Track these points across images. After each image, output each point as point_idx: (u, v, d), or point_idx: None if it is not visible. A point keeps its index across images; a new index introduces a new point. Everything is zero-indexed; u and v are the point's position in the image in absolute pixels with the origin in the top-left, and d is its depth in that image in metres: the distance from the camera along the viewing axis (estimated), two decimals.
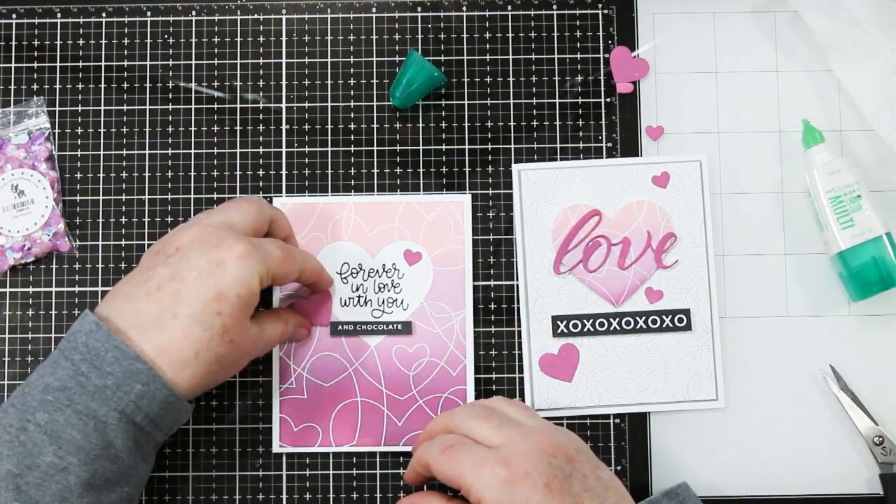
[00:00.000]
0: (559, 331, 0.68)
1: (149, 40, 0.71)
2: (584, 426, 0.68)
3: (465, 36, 0.71)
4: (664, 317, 0.68)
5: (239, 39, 0.71)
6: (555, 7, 0.72)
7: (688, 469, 0.68)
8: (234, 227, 0.58)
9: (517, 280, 0.69)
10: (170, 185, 0.70)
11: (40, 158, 0.68)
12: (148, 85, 0.71)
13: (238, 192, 0.70)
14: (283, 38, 0.71)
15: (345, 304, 0.68)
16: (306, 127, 0.70)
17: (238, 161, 0.70)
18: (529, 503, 0.50)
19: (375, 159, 0.70)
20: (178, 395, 0.55)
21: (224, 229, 0.57)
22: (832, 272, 0.69)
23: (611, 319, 0.68)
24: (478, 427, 0.55)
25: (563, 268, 0.69)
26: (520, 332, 0.68)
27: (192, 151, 0.70)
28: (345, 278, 0.68)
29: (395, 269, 0.68)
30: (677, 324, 0.68)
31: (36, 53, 0.71)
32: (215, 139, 0.70)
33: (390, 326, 0.68)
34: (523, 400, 0.68)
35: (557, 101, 0.71)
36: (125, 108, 0.71)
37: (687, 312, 0.68)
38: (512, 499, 0.50)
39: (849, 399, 0.67)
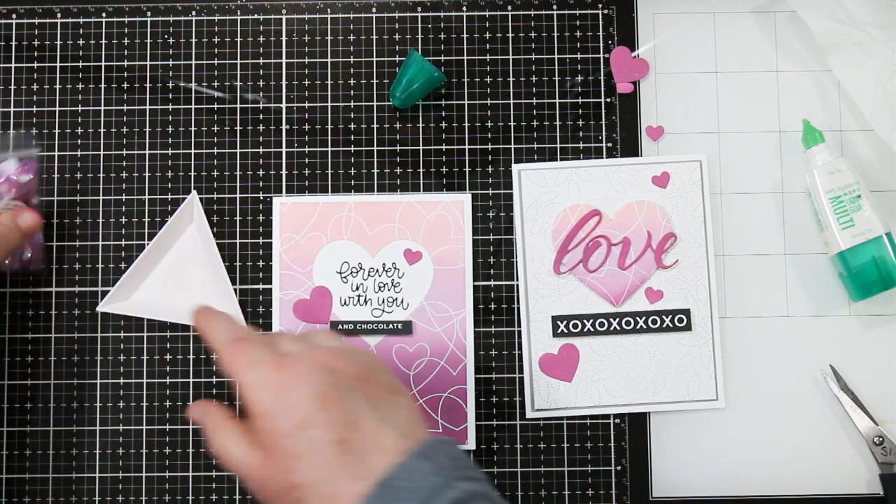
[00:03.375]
0: (559, 331, 0.68)
1: (149, 40, 0.71)
2: (584, 426, 0.68)
3: (465, 36, 0.71)
4: (664, 317, 0.68)
5: (239, 39, 0.71)
6: (555, 7, 0.72)
7: (688, 469, 0.68)
8: None
9: (517, 280, 0.69)
10: (170, 185, 0.70)
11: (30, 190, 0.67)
12: (148, 85, 0.71)
13: (238, 191, 0.70)
14: (283, 38, 0.71)
15: (345, 303, 0.68)
16: (306, 127, 0.70)
17: (238, 161, 0.70)
18: (296, 411, 0.46)
19: (375, 159, 0.70)
20: None
21: None
22: (832, 272, 0.69)
23: (611, 319, 0.68)
24: (281, 339, 0.51)
25: (563, 268, 0.69)
26: (520, 332, 0.68)
27: (192, 151, 0.70)
28: (345, 278, 0.68)
29: (395, 268, 0.68)
30: (677, 324, 0.68)
31: (36, 53, 0.71)
32: (215, 139, 0.70)
33: (390, 326, 0.68)
34: (523, 399, 0.68)
35: (557, 101, 0.71)
36: (125, 108, 0.71)
37: (687, 312, 0.68)
38: (277, 404, 0.46)
39: (849, 399, 0.67)
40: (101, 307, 0.68)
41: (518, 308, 0.69)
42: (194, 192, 0.69)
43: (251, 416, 0.47)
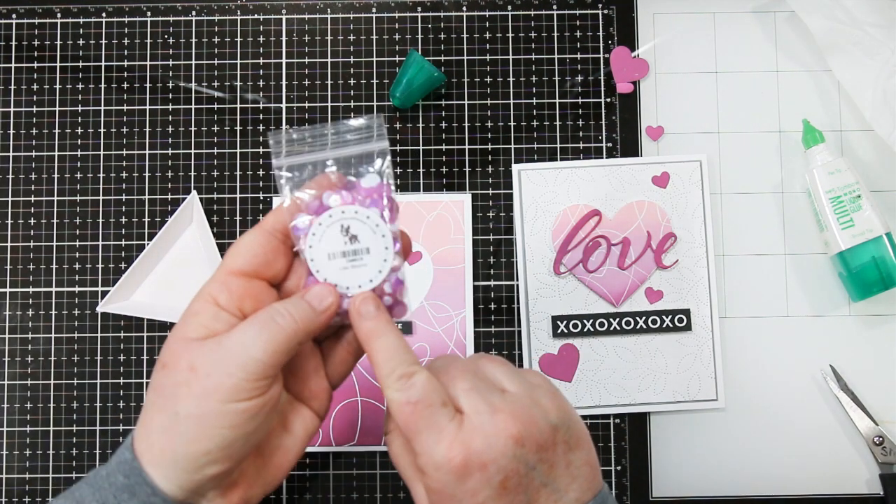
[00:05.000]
0: (559, 331, 0.68)
1: (149, 40, 0.71)
2: None
3: (465, 36, 0.71)
4: (664, 317, 0.68)
5: (239, 39, 0.71)
6: (555, 7, 0.72)
7: (688, 469, 0.68)
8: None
9: (517, 280, 0.69)
10: (169, 185, 0.70)
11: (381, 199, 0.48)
12: (148, 85, 0.71)
13: (238, 192, 0.70)
14: (283, 38, 0.71)
15: None
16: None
17: (238, 161, 0.70)
18: (476, 497, 0.43)
19: None
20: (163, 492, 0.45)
21: None
22: (832, 272, 0.69)
23: (611, 319, 0.68)
24: (459, 387, 0.45)
25: (563, 268, 0.69)
26: (520, 332, 0.68)
27: (192, 151, 0.70)
28: None
29: None
30: (677, 324, 0.68)
31: (36, 53, 0.71)
32: (215, 139, 0.70)
33: None
34: None
35: (557, 101, 0.71)
36: (125, 108, 0.71)
37: (687, 312, 0.68)
38: (457, 489, 0.43)
39: (849, 399, 0.67)
40: (101, 307, 0.68)
41: (518, 308, 0.69)
42: (194, 192, 0.69)
43: (423, 477, 0.45)
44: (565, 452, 0.46)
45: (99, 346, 0.68)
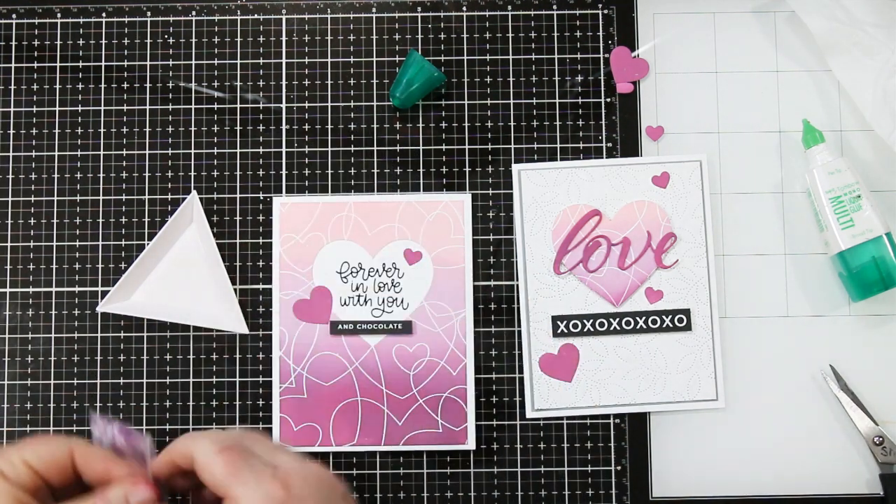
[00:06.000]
0: (559, 331, 0.68)
1: (149, 40, 0.71)
2: (584, 426, 0.68)
3: (465, 36, 0.71)
4: (664, 317, 0.68)
5: (239, 39, 0.71)
6: (555, 7, 0.72)
7: (688, 469, 0.68)
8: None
9: (517, 280, 0.69)
10: (169, 185, 0.70)
11: None
12: (148, 85, 0.71)
13: (238, 192, 0.70)
14: (283, 38, 0.71)
15: (345, 303, 0.68)
16: (306, 127, 0.70)
17: (238, 161, 0.70)
18: None
19: (375, 159, 0.70)
20: None
21: None
22: (832, 272, 0.69)
23: (611, 319, 0.68)
24: (259, 448, 0.48)
25: (563, 268, 0.69)
26: (520, 332, 0.68)
27: (192, 151, 0.70)
28: (345, 278, 0.68)
29: (395, 268, 0.68)
30: (677, 324, 0.68)
31: (36, 53, 0.71)
32: (215, 139, 0.70)
33: (390, 326, 0.68)
34: (523, 399, 0.68)
35: (557, 101, 0.71)
36: (125, 108, 0.71)
37: (687, 312, 0.68)
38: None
39: (849, 399, 0.67)
40: (101, 307, 0.68)
41: (518, 308, 0.69)
42: (194, 192, 0.69)
43: None
44: None
45: (99, 346, 0.68)
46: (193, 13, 0.71)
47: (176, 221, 0.68)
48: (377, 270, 0.68)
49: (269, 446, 0.49)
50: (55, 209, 0.70)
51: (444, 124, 0.70)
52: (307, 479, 0.47)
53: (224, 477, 0.46)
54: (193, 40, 0.71)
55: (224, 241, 0.69)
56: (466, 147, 0.70)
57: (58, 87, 0.71)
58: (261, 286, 0.69)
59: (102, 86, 0.71)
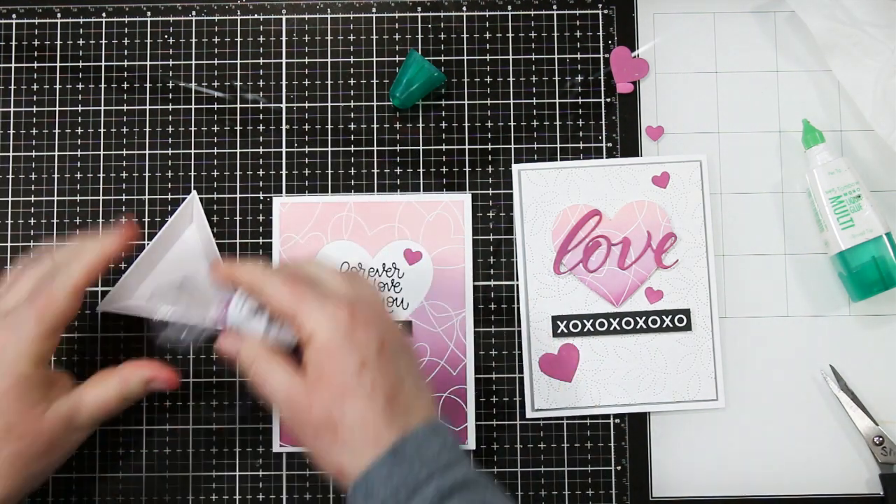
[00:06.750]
0: (559, 331, 0.68)
1: (149, 40, 0.71)
2: (584, 426, 0.68)
3: (465, 36, 0.71)
4: (664, 317, 0.68)
5: (239, 39, 0.71)
6: (555, 7, 0.72)
7: (688, 469, 0.68)
8: None
9: (517, 280, 0.69)
10: (169, 185, 0.70)
11: None
12: (148, 85, 0.71)
13: (238, 192, 0.70)
14: (283, 38, 0.71)
15: None
16: (306, 127, 0.70)
17: (238, 161, 0.70)
18: (360, 353, 0.50)
19: (375, 159, 0.70)
20: None
21: None
22: (832, 272, 0.69)
23: (611, 319, 0.68)
24: (327, 275, 0.53)
25: (563, 268, 0.69)
26: (520, 332, 0.68)
27: (192, 151, 0.70)
28: None
29: (395, 268, 0.68)
30: (677, 324, 0.68)
31: (36, 53, 0.71)
32: (215, 139, 0.70)
33: None
34: (523, 399, 0.68)
35: (557, 101, 0.71)
36: (125, 108, 0.71)
37: (687, 312, 0.68)
38: (345, 343, 0.49)
39: (849, 399, 0.67)
40: (102, 307, 0.68)
41: (518, 308, 0.69)
42: (194, 192, 0.69)
43: (308, 345, 0.50)
44: (417, 367, 0.54)
45: (99, 346, 0.68)
46: (193, 13, 0.71)
47: (176, 221, 0.68)
48: (377, 270, 0.68)
49: (333, 274, 0.53)
50: (55, 209, 0.70)
51: (444, 124, 0.70)
52: (375, 306, 0.52)
53: (291, 305, 0.51)
54: (193, 40, 0.71)
55: (224, 241, 0.69)
56: (466, 147, 0.70)
57: (58, 87, 0.71)
58: None
59: (102, 86, 0.71)
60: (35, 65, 0.71)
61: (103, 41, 0.71)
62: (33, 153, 0.70)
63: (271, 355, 0.52)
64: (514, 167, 0.70)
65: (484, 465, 0.67)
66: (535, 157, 0.70)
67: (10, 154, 0.70)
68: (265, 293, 0.53)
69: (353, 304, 0.51)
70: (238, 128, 0.70)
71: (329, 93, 0.71)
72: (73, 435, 0.58)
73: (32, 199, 0.70)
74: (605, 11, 0.71)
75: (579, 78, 0.71)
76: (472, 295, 0.68)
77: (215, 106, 0.71)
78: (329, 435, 0.49)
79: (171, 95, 0.71)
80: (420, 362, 0.54)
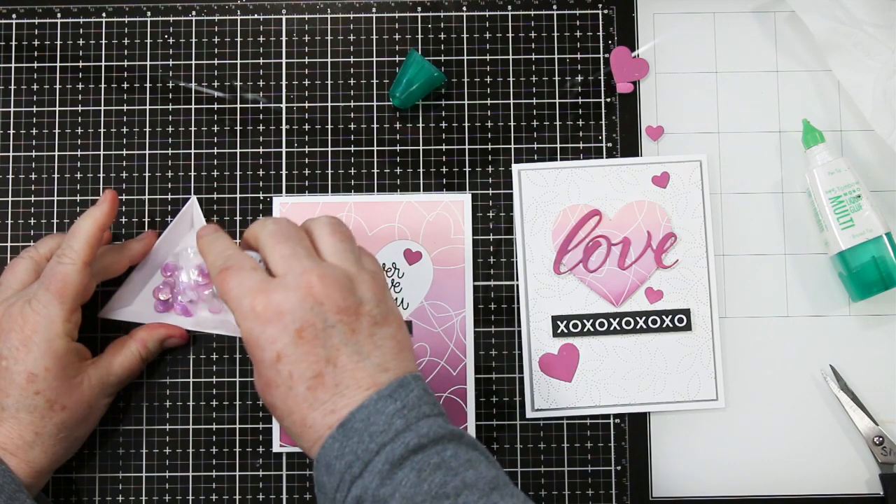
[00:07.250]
0: (559, 331, 0.68)
1: (149, 40, 0.71)
2: (584, 426, 0.68)
3: (465, 36, 0.71)
4: (664, 317, 0.68)
5: (239, 39, 0.71)
6: (555, 7, 0.72)
7: (688, 469, 0.68)
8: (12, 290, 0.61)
9: (517, 280, 0.69)
10: (170, 185, 0.70)
11: None
12: (148, 85, 0.71)
13: (238, 192, 0.70)
14: (283, 38, 0.71)
15: None
16: (306, 127, 0.70)
17: (238, 161, 0.70)
18: (276, 344, 0.49)
19: (375, 159, 0.70)
20: (24, 481, 0.58)
21: (14, 306, 0.59)
22: (832, 272, 0.69)
23: (611, 319, 0.68)
24: (271, 249, 0.52)
25: (563, 268, 0.69)
26: (520, 332, 0.68)
27: (192, 151, 0.70)
28: None
29: (395, 268, 0.68)
30: (677, 324, 0.68)
31: (36, 53, 0.71)
32: (215, 139, 0.70)
33: None
34: (523, 399, 0.68)
35: (557, 101, 0.71)
36: (125, 108, 0.71)
37: (687, 312, 0.68)
38: (260, 336, 0.49)
39: (849, 399, 0.67)
40: (102, 314, 0.67)
41: (518, 308, 0.69)
42: (194, 197, 0.69)
43: (240, 329, 0.51)
44: (370, 325, 0.51)
45: (99, 347, 0.68)
46: (193, 13, 0.71)
47: (175, 227, 0.68)
48: None
49: (288, 250, 0.52)
50: (55, 209, 0.70)
51: (444, 124, 0.70)
52: (293, 292, 0.49)
53: (224, 297, 0.51)
54: (193, 40, 0.71)
55: None
56: (466, 147, 0.70)
57: (58, 87, 0.71)
58: None
59: (102, 86, 0.71)
60: (35, 65, 0.71)
61: (103, 41, 0.71)
62: (33, 153, 0.70)
63: (244, 259, 0.53)
64: (514, 167, 0.70)
65: None
66: (535, 157, 0.70)
67: (10, 154, 0.70)
68: (259, 241, 0.54)
69: (268, 294, 0.50)
70: (238, 128, 0.70)
71: (329, 93, 0.71)
72: (104, 399, 0.63)
73: (32, 199, 0.70)
74: (605, 11, 0.71)
75: (579, 78, 0.71)
76: (472, 295, 0.68)
77: (215, 106, 0.71)
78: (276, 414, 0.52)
79: (171, 95, 0.71)
80: (381, 315, 0.51)
